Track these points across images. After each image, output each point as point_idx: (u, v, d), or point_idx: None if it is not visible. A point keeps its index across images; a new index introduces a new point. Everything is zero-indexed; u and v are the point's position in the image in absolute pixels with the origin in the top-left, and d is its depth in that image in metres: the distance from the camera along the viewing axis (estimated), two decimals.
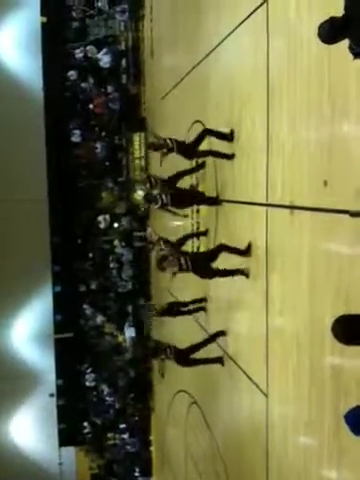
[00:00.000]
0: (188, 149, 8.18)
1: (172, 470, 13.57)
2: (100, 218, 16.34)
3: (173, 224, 11.33)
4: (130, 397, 16.80)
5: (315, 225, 5.18)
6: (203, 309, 9.37)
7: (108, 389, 17.05)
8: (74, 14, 15.96)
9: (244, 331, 7.51)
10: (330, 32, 3.32)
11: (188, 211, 9.96)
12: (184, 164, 8.98)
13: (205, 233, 9.18)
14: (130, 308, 16.44)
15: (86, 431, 17.42)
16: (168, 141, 8.04)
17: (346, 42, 3.36)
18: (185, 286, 9.81)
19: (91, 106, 15.95)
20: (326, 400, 5.02)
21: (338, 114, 4.69)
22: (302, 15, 5.29)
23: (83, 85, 15.97)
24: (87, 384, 17.24)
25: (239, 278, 7.22)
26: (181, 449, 11.97)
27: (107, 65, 15.74)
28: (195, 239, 9.71)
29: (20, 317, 17.77)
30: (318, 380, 5.17)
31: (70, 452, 18.04)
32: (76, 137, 16.08)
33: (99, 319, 16.91)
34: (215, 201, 8.33)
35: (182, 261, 7.13)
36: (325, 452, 5.09)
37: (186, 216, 9.52)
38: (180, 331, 11.00)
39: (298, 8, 5.38)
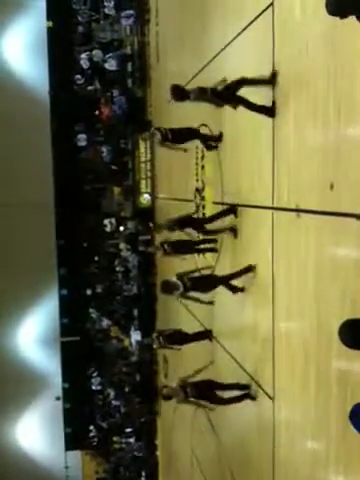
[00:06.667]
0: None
1: (178, 474, 13.53)
2: (106, 222, 16.38)
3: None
4: (136, 401, 16.79)
5: (321, 228, 5.16)
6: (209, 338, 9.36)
7: (114, 393, 17.04)
8: (80, 18, 16.01)
9: (250, 335, 7.49)
10: (339, 5, 3.19)
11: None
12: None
13: (208, 233, 9.14)
14: (136, 312, 16.44)
15: (92, 435, 17.42)
16: None
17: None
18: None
19: (97, 110, 16.00)
20: (332, 404, 4.99)
21: (345, 117, 4.67)
22: (308, 18, 5.27)
23: (89, 89, 16.03)
24: (93, 388, 17.25)
25: (243, 282, 7.19)
26: (187, 453, 11.93)
27: (113, 69, 15.80)
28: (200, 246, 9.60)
29: (26, 320, 17.81)
30: (324, 384, 5.14)
31: (76, 456, 18.03)
32: (82, 141, 16.13)
33: (105, 323, 16.92)
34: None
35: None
36: (332, 456, 5.06)
37: (186, 151, 8.83)
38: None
39: (304, 11, 5.36)
